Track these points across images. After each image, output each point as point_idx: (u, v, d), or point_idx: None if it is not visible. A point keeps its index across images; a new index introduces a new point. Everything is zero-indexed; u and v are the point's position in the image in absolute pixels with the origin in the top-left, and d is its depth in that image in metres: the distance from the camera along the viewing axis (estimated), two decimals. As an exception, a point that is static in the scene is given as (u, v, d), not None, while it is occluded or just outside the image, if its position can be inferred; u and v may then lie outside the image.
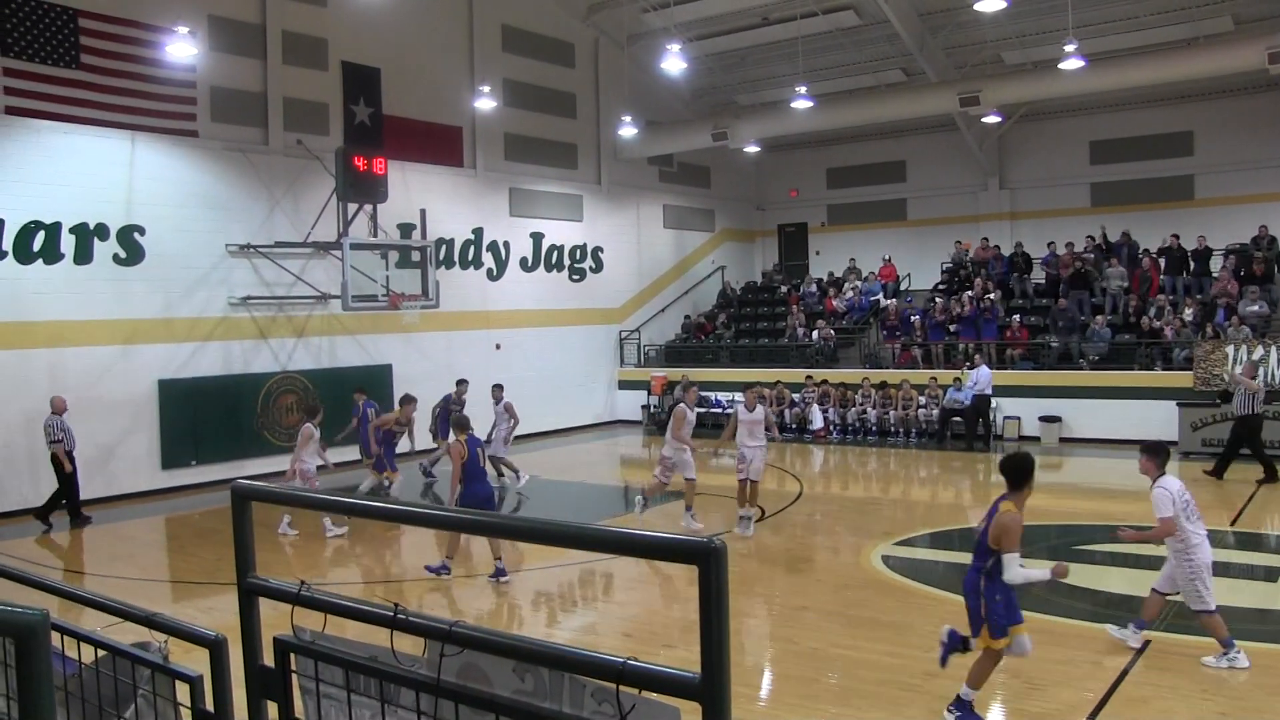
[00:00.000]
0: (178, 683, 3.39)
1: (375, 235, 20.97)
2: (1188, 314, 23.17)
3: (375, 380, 22.33)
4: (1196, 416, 20.54)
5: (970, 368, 23.56)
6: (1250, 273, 24.26)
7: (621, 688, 2.25)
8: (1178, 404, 20.91)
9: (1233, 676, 8.28)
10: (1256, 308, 22.78)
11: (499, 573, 11.77)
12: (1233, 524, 14.43)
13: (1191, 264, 25.43)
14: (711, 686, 2.10)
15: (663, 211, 31.51)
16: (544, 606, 11.26)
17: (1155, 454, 8.88)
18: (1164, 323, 23.22)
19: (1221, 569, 11.93)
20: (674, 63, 24.16)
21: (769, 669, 9.16)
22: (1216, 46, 23.66)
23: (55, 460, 15.78)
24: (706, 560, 2.09)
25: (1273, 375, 20.78)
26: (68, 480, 15.88)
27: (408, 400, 17.48)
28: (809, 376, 25.54)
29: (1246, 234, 25.74)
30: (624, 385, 29.08)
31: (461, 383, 19.85)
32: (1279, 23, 20.30)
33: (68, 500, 16.02)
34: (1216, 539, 13.36)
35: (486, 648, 2.70)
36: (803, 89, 24.84)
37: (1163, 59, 23.88)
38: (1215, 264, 25.43)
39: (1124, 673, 8.29)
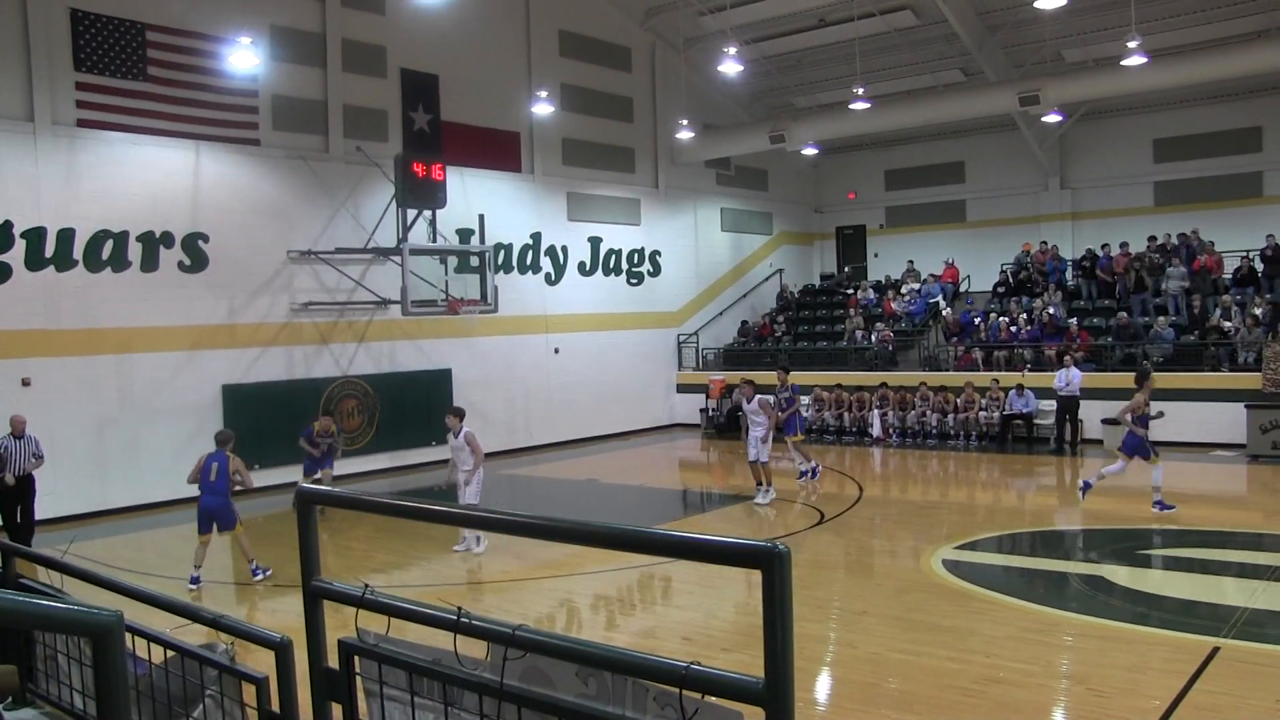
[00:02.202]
0: (244, 684, 3.45)
1: (434, 240, 21.16)
2: (1257, 312, 22.68)
3: (436, 385, 22.53)
4: (1266, 419, 20.11)
5: (1030, 370, 23.39)
6: (1320, 271, 23.75)
7: (685, 692, 2.26)
8: (1246, 406, 20.48)
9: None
10: (1328, 307, 22.28)
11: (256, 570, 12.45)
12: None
13: (1261, 265, 24.86)
14: (775, 691, 2.10)
15: (720, 215, 31.46)
16: (603, 610, 11.28)
17: None
18: (1232, 324, 22.75)
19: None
20: (730, 65, 24.11)
21: (828, 674, 9.10)
22: (1277, 41, 23.20)
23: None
24: (770, 564, 2.10)
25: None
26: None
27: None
28: (884, 384, 25.28)
29: (1318, 231, 25.21)
30: (682, 389, 29.06)
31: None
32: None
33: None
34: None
35: (550, 652, 2.72)
36: (860, 90, 24.68)
37: (1228, 53, 23.42)
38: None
39: (1192, 680, 8.14)
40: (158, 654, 3.66)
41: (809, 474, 18.60)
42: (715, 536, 2.26)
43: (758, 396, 16.72)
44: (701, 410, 28.09)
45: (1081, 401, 21.71)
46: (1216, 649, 8.87)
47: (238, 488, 12.26)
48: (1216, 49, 23.76)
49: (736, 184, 32.01)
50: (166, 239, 18.68)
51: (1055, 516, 16.35)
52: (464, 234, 22.65)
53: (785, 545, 2.10)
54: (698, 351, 29.79)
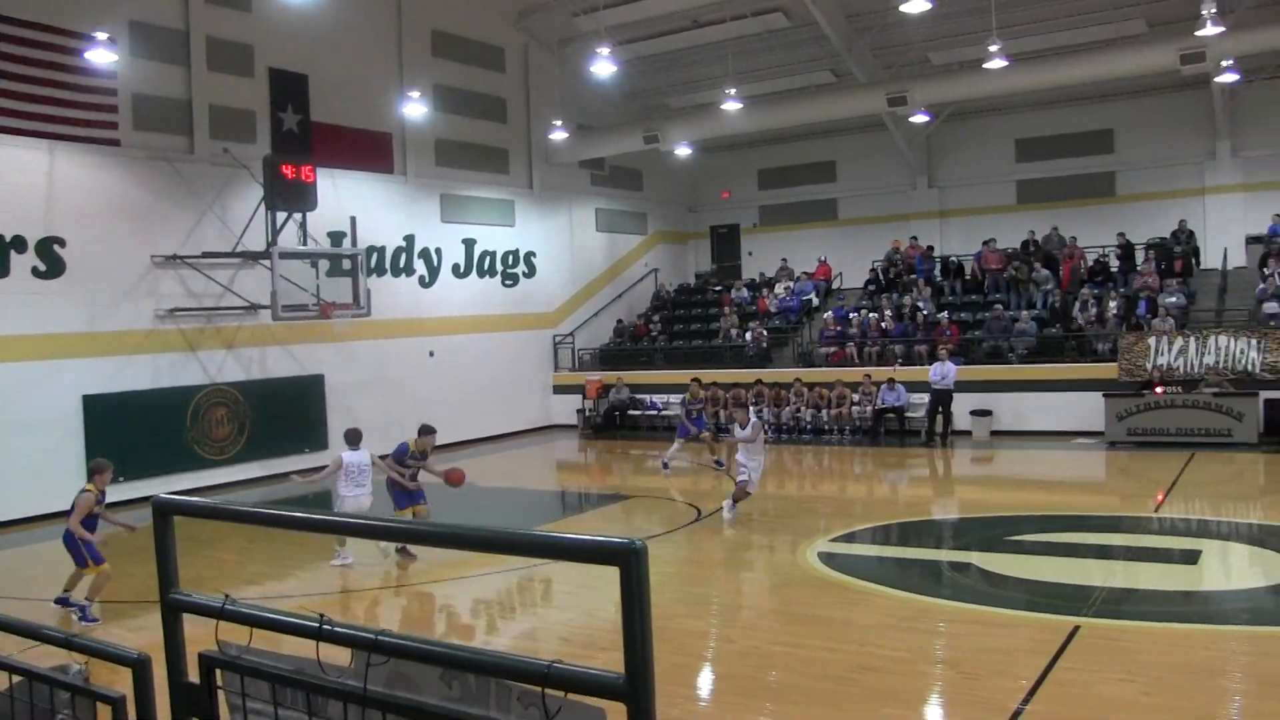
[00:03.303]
0: (100, 705, 3.33)
1: (305, 244, 20.72)
2: (1112, 307, 23.63)
3: (308, 391, 22.09)
4: (1122, 407, 20.96)
5: (903, 364, 23.98)
6: (1170, 266, 24.87)
7: (547, 691, 2.26)
8: (1104, 395, 21.33)
9: (1158, 659, 8.46)
10: (1175, 299, 23.33)
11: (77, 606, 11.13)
12: (1156, 510, 14.75)
13: (1116, 262, 25.95)
14: (636, 686, 2.11)
15: (595, 215, 31.51)
16: (483, 614, 11.20)
17: None
18: (1088, 317, 23.66)
19: (1146, 554, 12.26)
20: (604, 66, 24.15)
21: (709, 669, 9.20)
22: (1132, 47, 24.18)
23: None
24: (627, 560, 2.10)
25: (1192, 365, 21.31)
26: None
27: (427, 431, 14.22)
28: (759, 381, 25.60)
29: (1166, 229, 26.39)
30: (559, 390, 29.02)
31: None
32: (1189, 25, 20.76)
33: None
34: (1139, 525, 13.71)
35: (412, 655, 2.69)
36: (733, 91, 24.97)
37: (1082, 59, 24.34)
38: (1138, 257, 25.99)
39: (1055, 658, 8.43)
40: (4, 680, 3.52)
41: (720, 464, 19.20)
42: (572, 534, 2.26)
43: (752, 421, 15.08)
44: (578, 411, 28.10)
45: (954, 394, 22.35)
46: (1077, 627, 9.22)
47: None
48: (1071, 55, 24.65)
49: (611, 184, 32.11)
50: (18, 243, 17.87)
51: (928, 507, 16.79)
52: (336, 237, 22.24)
53: (642, 541, 2.11)
54: (574, 352, 29.79)
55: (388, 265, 24.47)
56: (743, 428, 14.95)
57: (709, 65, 28.40)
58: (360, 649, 2.80)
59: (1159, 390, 20.89)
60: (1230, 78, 24.17)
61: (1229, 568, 12.02)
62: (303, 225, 20.62)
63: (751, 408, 24.42)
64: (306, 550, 13.95)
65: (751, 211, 34.31)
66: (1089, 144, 28.74)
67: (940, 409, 22.30)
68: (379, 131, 24.46)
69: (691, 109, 29.87)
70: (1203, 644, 9.02)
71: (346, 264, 21.62)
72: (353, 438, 13.57)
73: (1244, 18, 22.35)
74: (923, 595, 10.84)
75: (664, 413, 26.56)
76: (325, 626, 2.82)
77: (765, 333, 27.58)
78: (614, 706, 2.18)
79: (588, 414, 27.85)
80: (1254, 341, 21.08)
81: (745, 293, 30.49)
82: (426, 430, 14.06)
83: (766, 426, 19.36)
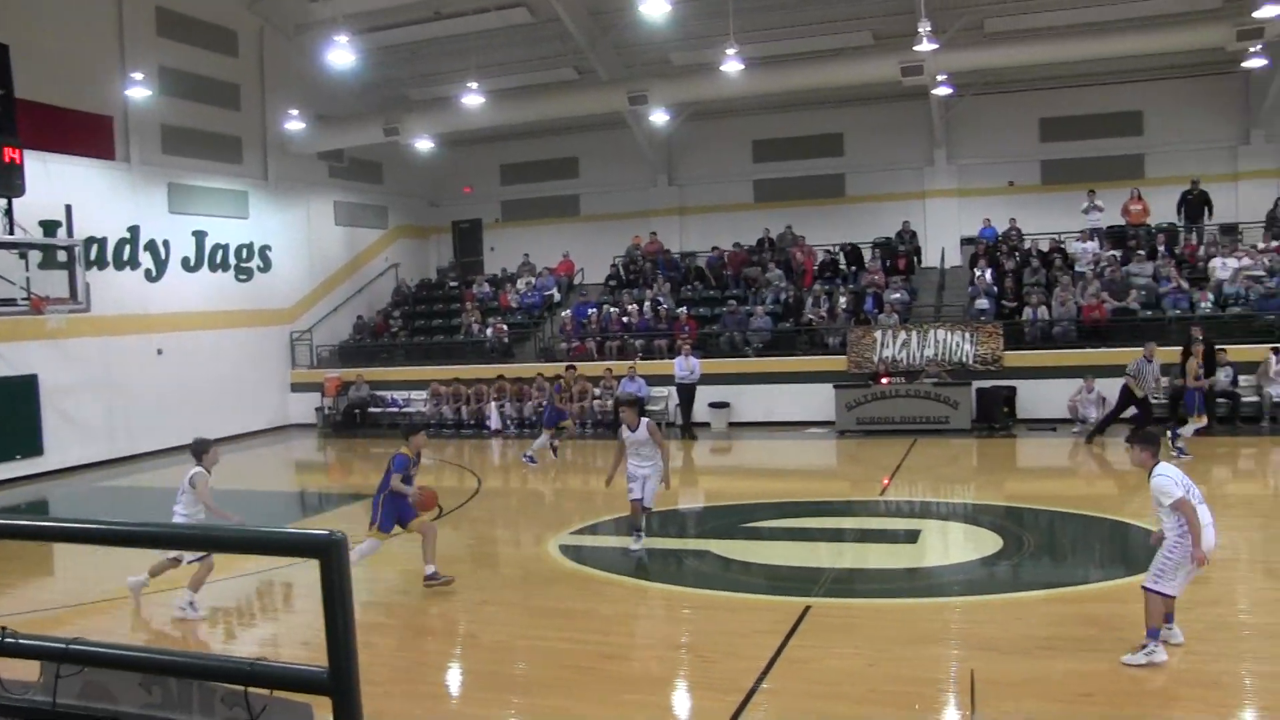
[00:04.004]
0: None
1: (12, 233, 19.13)
2: (841, 302, 24.84)
3: (18, 393, 20.46)
4: (851, 397, 22.04)
5: (642, 359, 24.40)
6: (895, 265, 26.36)
7: (251, 689, 2.12)
8: (834, 386, 22.36)
9: (883, 632, 8.88)
10: (899, 295, 24.76)
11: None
12: (882, 494, 15.54)
13: (844, 262, 27.29)
14: (340, 680, 2.00)
15: (334, 208, 30.58)
16: (221, 622, 10.62)
17: (1150, 444, 8.49)
18: (819, 312, 24.77)
19: (873, 535, 12.89)
20: (342, 55, 23.41)
21: (455, 665, 9.06)
22: (859, 58, 25.50)
23: None
24: (327, 552, 2.00)
25: (914, 357, 22.68)
26: None
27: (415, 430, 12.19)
28: (501, 376, 25.44)
29: (891, 229, 27.96)
30: (297, 388, 28.02)
31: None
32: (910, 40, 22.06)
33: None
34: (867, 508, 14.40)
35: (104, 663, 2.48)
36: (475, 85, 24.74)
37: (814, 66, 25.46)
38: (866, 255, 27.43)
39: (788, 638, 8.73)
40: None
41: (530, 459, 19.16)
42: (270, 529, 2.13)
43: (644, 420, 12.51)
44: (317, 409, 27.24)
45: (673, 389, 23.00)
46: (809, 607, 9.58)
47: None
48: (805, 62, 25.73)
49: (351, 176, 31.24)
50: None
51: (669, 497, 17.03)
52: (49, 226, 20.62)
53: (341, 533, 1.99)
54: (312, 349, 28.83)
55: (109, 258, 22.91)
56: (632, 429, 12.37)
57: (451, 58, 28.01)
58: (49, 660, 2.57)
59: (884, 381, 22.10)
60: (945, 91, 25.90)
61: (947, 544, 12.79)
62: (8, 212, 18.98)
63: (493, 403, 24.39)
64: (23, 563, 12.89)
65: (494, 206, 34.13)
66: (820, 147, 30.09)
67: (685, 401, 22.87)
68: (98, 114, 22.86)
69: (433, 102, 29.42)
70: (924, 616, 9.54)
71: (62, 255, 20.09)
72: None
73: (955, 38, 23.99)
74: (662, 584, 11.02)
75: (405, 410, 26.09)
76: (8, 639, 2.59)
77: (506, 328, 27.46)
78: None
79: (327, 412, 27.04)
80: (967, 335, 22.62)
81: (487, 288, 30.29)
82: (413, 429, 11.87)
83: (661, 427, 16.81)
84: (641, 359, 24.73)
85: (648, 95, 25.40)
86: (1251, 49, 23.46)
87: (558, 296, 29.22)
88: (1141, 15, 24.65)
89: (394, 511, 10.91)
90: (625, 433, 12.49)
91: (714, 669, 8.26)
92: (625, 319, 26.19)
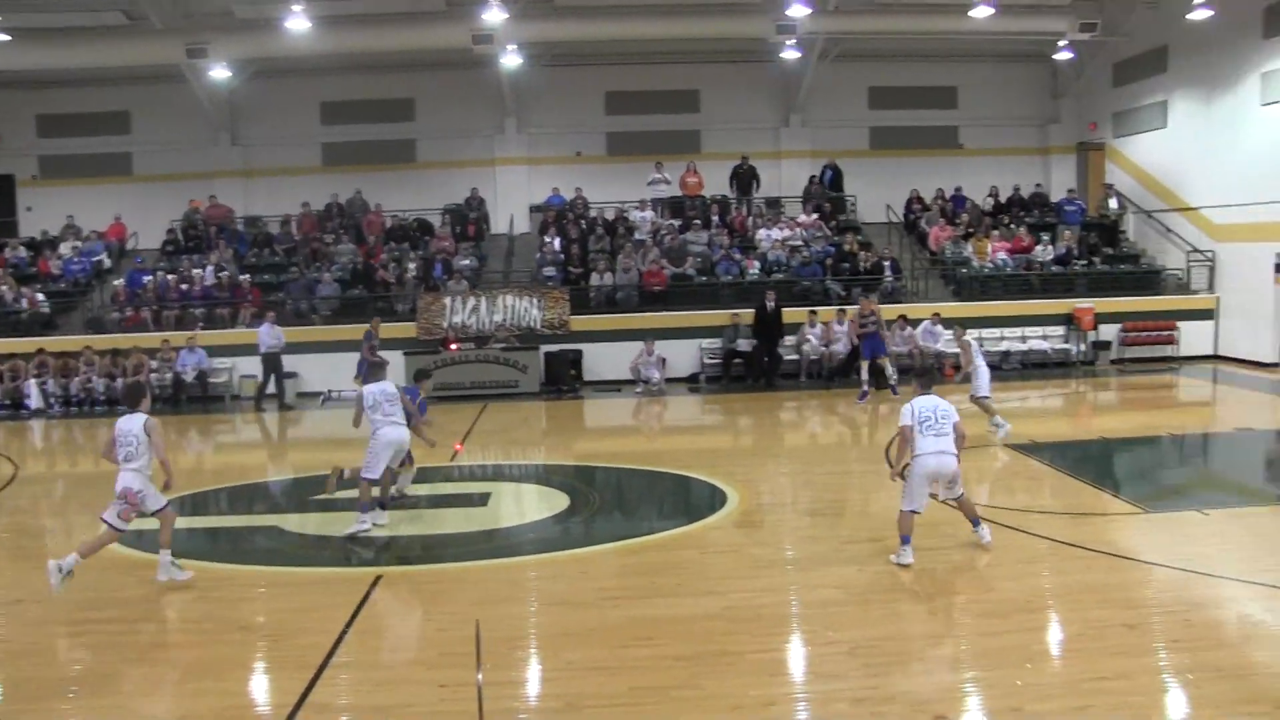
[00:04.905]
0: None
1: None
2: (411, 269, 24.66)
3: None
4: (421, 364, 21.83)
5: (203, 328, 23.04)
6: (464, 231, 26.52)
7: None
8: (404, 353, 22.15)
9: (456, 596, 8.93)
10: (469, 262, 24.98)
11: None
12: (454, 459, 15.59)
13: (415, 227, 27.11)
14: None
15: None
16: None
17: (918, 376, 10.17)
18: (389, 277, 24.46)
19: (446, 500, 12.90)
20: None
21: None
22: (429, 23, 25.30)
23: None
24: None
25: (483, 323, 23.00)
26: None
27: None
28: (41, 350, 23.00)
29: (461, 195, 28.07)
30: None
31: None
32: (480, 8, 22.16)
33: None
34: (440, 474, 14.38)
35: None
36: None
37: (384, 28, 25.02)
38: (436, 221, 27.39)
39: (358, 610, 8.57)
40: None
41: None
42: None
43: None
44: None
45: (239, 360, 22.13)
46: (379, 577, 9.46)
47: None
48: (376, 23, 25.19)
49: None
50: None
51: (240, 473, 16.20)
52: None
53: None
54: None
55: None
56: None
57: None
58: None
59: (454, 347, 22.21)
60: (515, 60, 26.31)
61: (520, 505, 13.03)
62: None
63: (33, 380, 22.12)
64: None
65: (30, 161, 30.56)
66: (392, 111, 29.61)
67: (274, 372, 21.76)
68: None
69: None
70: (497, 576, 9.69)
71: None
72: None
73: (526, 9, 24.37)
74: (229, 564, 10.45)
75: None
76: None
77: (40, 297, 24.70)
78: None
79: None
80: (535, 300, 23.22)
81: (23, 253, 27.23)
82: (424, 375, 13.80)
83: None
84: (203, 329, 23.32)
85: (208, 49, 23.91)
86: (788, 42, 25.69)
87: (108, 263, 26.80)
88: (697, 2, 26.21)
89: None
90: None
91: (283, 647, 7.96)
92: (184, 286, 24.52)
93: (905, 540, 9.49)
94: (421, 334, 22.85)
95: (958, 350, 16.61)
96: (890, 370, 20.28)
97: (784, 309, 22.65)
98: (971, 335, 16.65)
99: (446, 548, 10.91)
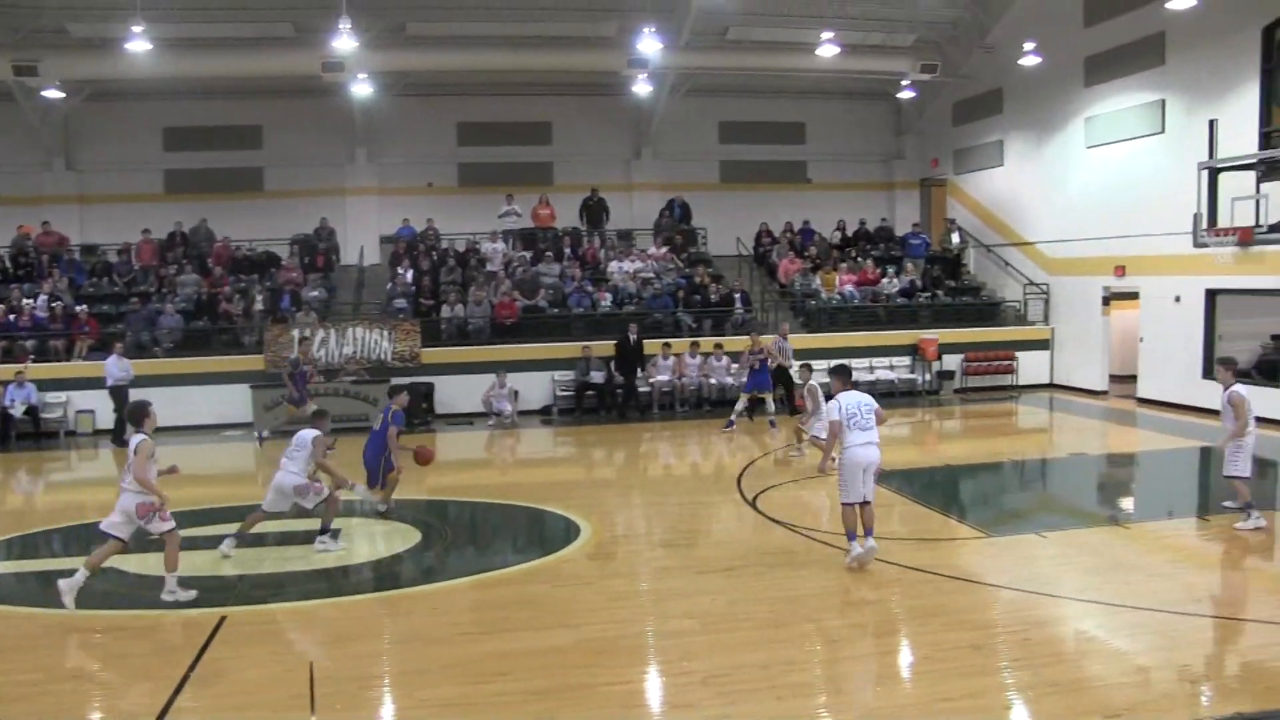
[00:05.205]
0: None
1: None
2: (258, 300, 24.07)
3: None
4: (269, 397, 21.41)
5: (34, 361, 22.03)
6: (313, 262, 26.03)
7: None
8: (251, 387, 21.62)
9: (303, 635, 8.72)
10: (317, 293, 24.52)
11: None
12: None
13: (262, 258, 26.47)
14: None
15: None
16: None
17: (837, 374, 10.95)
18: (235, 309, 23.80)
19: (295, 537, 12.57)
20: None
21: None
22: (280, 49, 24.93)
23: None
24: None
25: (333, 355, 22.53)
26: None
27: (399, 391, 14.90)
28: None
29: (310, 225, 27.54)
30: None
31: None
32: (330, 36, 21.90)
33: None
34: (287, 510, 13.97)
35: None
36: None
37: (231, 53, 24.48)
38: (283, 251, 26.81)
39: (201, 653, 8.29)
40: None
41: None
42: None
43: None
44: None
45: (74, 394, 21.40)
46: (224, 618, 9.17)
47: None
48: (221, 48, 24.64)
49: None
50: None
51: (77, 511, 15.48)
52: None
53: None
54: None
55: None
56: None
57: None
58: None
59: (303, 380, 21.72)
60: (366, 89, 26.06)
61: (371, 541, 12.76)
62: None
63: None
64: None
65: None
66: (239, 138, 29.07)
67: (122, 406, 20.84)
68: None
69: None
70: (347, 614, 9.51)
71: None
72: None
73: (377, 38, 24.22)
74: (57, 610, 9.96)
75: None
76: None
77: None
78: None
79: None
80: (386, 333, 22.90)
81: None
82: (398, 390, 14.78)
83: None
84: (34, 361, 22.26)
85: (38, 67, 23.00)
86: (640, 76, 26.08)
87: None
88: (550, 34, 26.45)
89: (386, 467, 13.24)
90: None
91: (122, 695, 7.66)
92: (12, 317, 23.35)
93: (850, 537, 10.29)
94: (269, 367, 22.27)
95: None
96: (769, 406, 20.53)
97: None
98: (818, 379, 16.64)
99: (296, 586, 10.62)
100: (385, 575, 11.00)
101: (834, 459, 10.97)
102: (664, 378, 23.21)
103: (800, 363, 19.00)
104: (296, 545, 12.23)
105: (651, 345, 23.29)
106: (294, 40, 25.34)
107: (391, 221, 28.60)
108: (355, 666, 8.05)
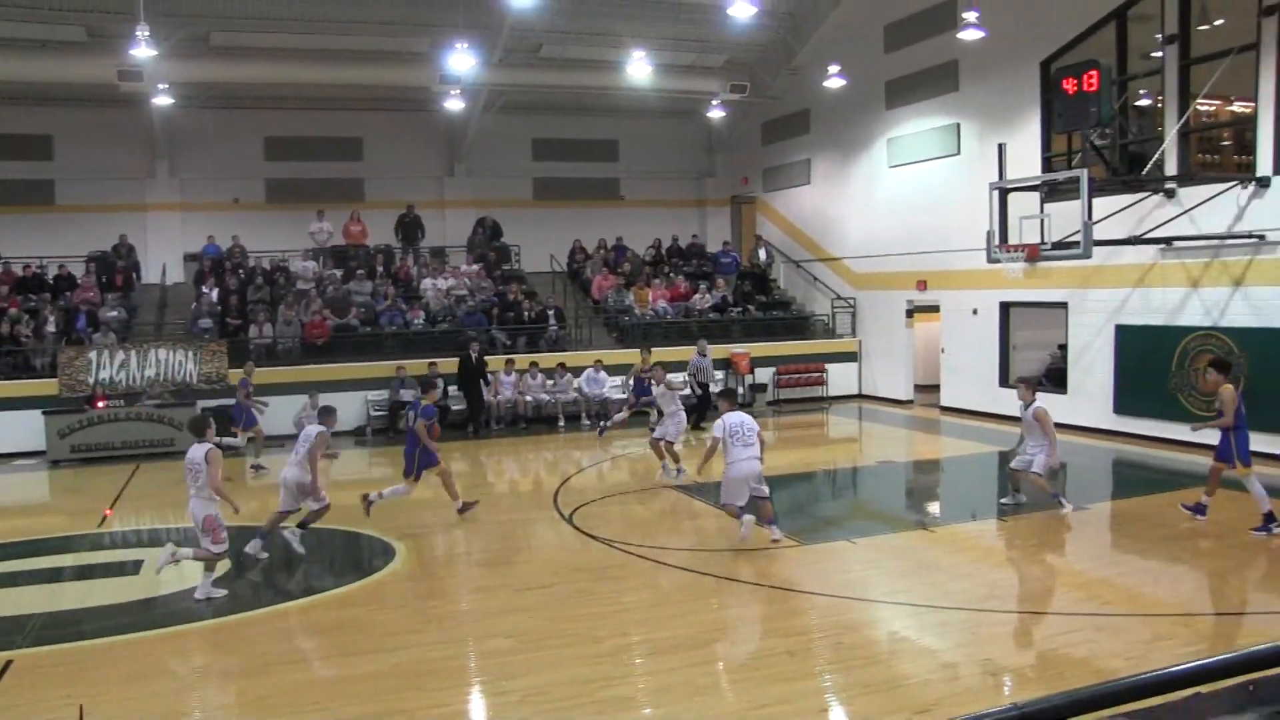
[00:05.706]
0: None
1: None
2: (50, 321, 22.83)
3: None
4: (64, 424, 20.35)
5: None
6: (111, 281, 24.88)
7: None
8: (44, 413, 20.51)
9: (105, 672, 8.33)
10: (116, 313, 23.43)
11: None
12: (102, 524, 14.57)
13: (52, 275, 25.06)
14: None
15: None
16: None
17: (724, 398, 12.90)
18: (25, 331, 22.52)
19: (95, 570, 12.03)
20: None
21: None
22: (70, 54, 23.77)
23: None
24: None
25: (134, 378, 21.56)
26: None
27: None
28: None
29: (108, 242, 26.33)
30: None
31: None
32: (127, 43, 21.03)
33: None
34: (89, 542, 13.41)
35: None
36: None
37: (11, 55, 23.24)
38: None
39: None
40: None
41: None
42: None
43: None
44: None
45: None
46: (10, 661, 8.67)
47: None
48: (7, 49, 23.35)
49: None
50: None
51: None
52: None
53: None
54: None
55: None
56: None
57: None
58: None
59: (100, 405, 20.75)
60: (166, 100, 25.10)
61: (179, 570, 12.21)
62: None
63: None
64: None
65: None
66: (25, 149, 27.44)
67: None
68: None
69: None
70: (153, 649, 9.08)
71: None
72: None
73: (178, 47, 23.37)
74: None
75: None
76: None
77: None
78: None
79: None
80: (191, 353, 22.05)
81: None
82: (430, 385, 16.23)
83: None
84: None
85: None
86: (452, 92, 25.91)
87: None
88: (361, 49, 26.04)
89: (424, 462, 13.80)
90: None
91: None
92: None
93: (739, 515, 11.95)
94: (65, 391, 21.13)
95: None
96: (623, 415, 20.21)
97: (451, 359, 22.66)
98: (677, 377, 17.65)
99: (93, 622, 10.10)
100: (193, 607, 10.53)
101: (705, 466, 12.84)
102: (507, 394, 23.14)
103: (655, 362, 18.95)
104: (95, 579, 11.69)
105: (495, 362, 23.23)
106: (86, 45, 24.16)
107: (196, 239, 27.60)
108: (159, 705, 7.71)
